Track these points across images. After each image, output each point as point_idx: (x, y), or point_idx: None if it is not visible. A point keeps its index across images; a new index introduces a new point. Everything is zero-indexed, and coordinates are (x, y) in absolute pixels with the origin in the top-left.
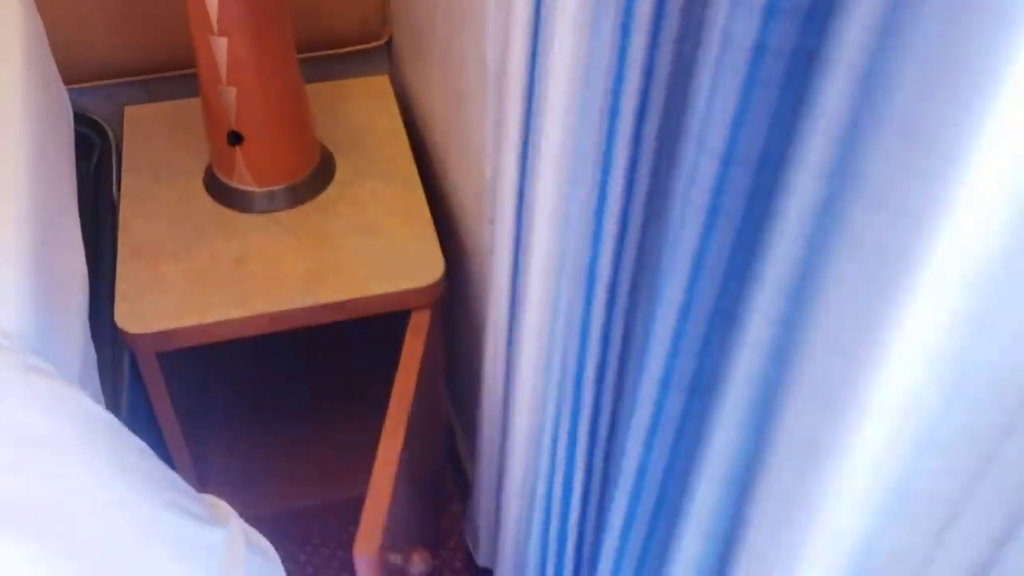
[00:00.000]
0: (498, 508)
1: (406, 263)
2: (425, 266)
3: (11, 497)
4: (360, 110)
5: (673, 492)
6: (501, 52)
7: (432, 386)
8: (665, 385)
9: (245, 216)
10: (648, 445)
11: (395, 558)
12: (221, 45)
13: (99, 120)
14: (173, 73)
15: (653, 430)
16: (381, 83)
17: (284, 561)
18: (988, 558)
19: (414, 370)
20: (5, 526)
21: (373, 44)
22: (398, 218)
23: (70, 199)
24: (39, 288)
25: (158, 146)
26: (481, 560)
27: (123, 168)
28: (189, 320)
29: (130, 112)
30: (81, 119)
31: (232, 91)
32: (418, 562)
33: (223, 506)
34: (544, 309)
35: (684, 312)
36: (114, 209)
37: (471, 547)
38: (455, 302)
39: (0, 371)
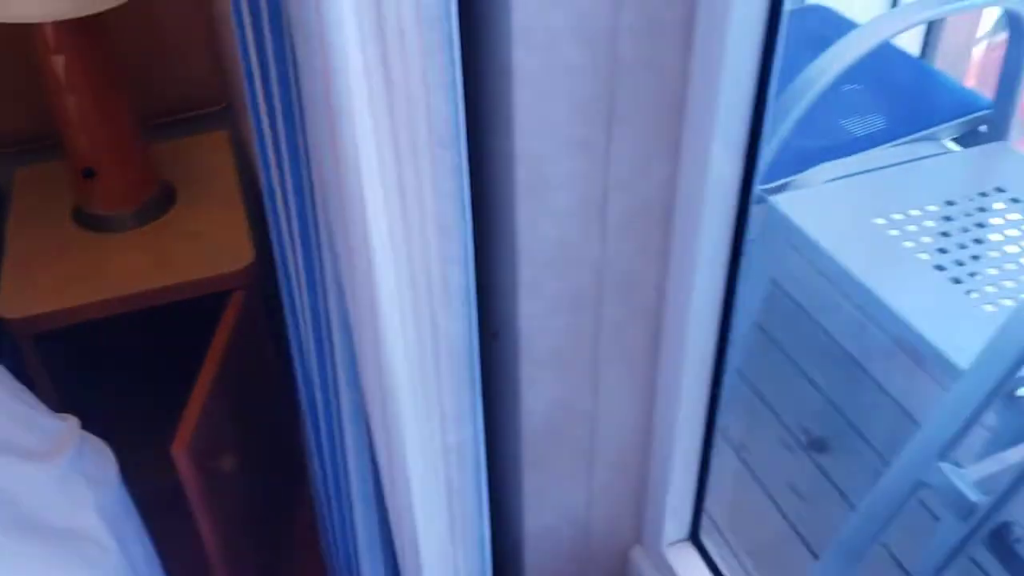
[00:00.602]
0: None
1: (223, 256)
2: (237, 256)
3: None
4: (201, 156)
5: None
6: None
7: (258, 351)
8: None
9: (102, 235)
10: None
11: (208, 458)
12: (71, 101)
13: None
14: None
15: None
16: (222, 137)
17: None
18: None
19: (227, 330)
20: None
21: (215, 107)
22: (220, 227)
23: None
24: None
25: (37, 196)
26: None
27: (9, 211)
28: (56, 305)
29: (20, 173)
30: None
31: (83, 136)
32: (227, 462)
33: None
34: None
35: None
36: (1, 240)
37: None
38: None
39: None
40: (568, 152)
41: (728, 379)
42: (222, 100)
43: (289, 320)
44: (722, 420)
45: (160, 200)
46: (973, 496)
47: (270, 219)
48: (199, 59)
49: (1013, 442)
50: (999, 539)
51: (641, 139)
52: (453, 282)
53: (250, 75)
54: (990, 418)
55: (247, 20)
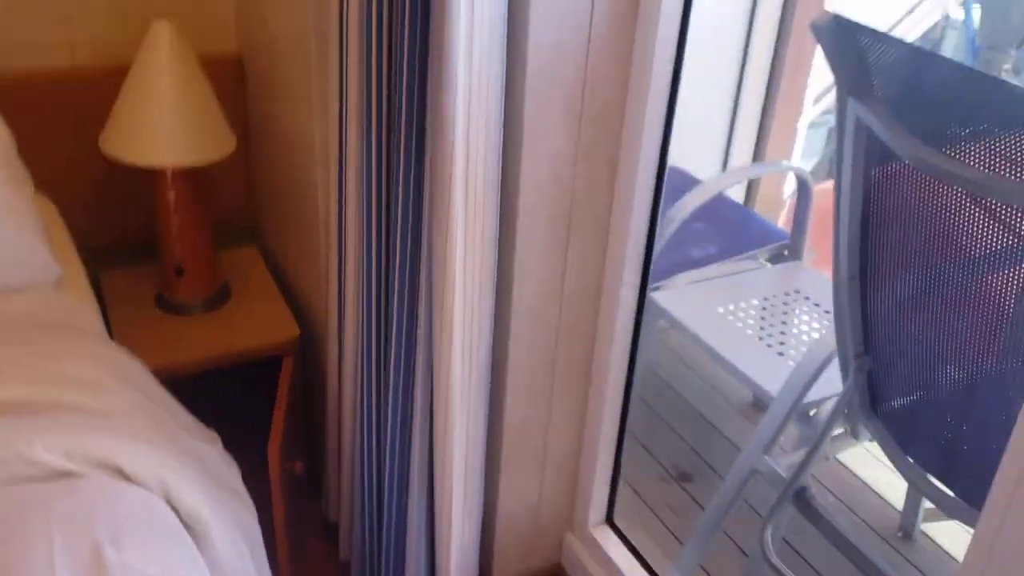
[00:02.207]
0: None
1: (274, 330)
2: (285, 330)
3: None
4: (242, 262)
5: None
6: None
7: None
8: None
9: (182, 317)
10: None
11: (286, 463)
12: (175, 220)
13: None
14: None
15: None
16: (253, 249)
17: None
18: None
19: (287, 377)
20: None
21: (246, 224)
22: (268, 312)
23: None
24: None
25: (125, 289)
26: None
27: (107, 301)
28: (154, 364)
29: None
30: None
31: (179, 244)
32: (299, 467)
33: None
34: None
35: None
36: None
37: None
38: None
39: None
40: (540, 252)
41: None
42: (250, 219)
43: (367, 362)
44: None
45: (222, 293)
46: (784, 473)
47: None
48: (237, 188)
49: (806, 442)
50: (800, 497)
51: (584, 257)
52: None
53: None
54: (793, 427)
55: (395, 123)
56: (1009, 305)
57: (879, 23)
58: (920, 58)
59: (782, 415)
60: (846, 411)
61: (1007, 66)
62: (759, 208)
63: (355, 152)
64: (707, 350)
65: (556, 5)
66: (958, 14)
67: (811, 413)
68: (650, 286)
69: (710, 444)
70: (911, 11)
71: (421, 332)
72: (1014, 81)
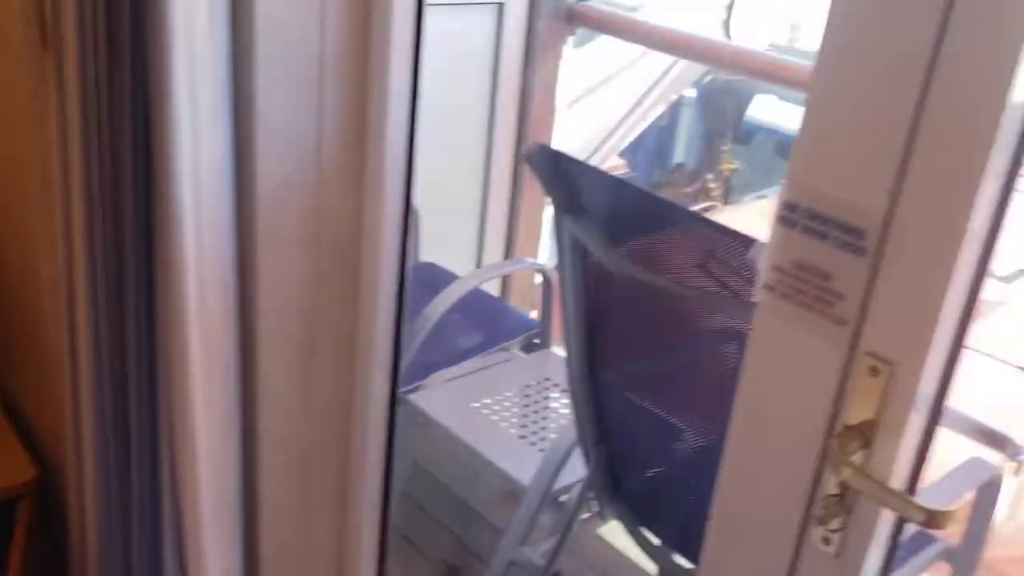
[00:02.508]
0: None
1: (3, 471)
2: (17, 472)
3: None
4: None
5: None
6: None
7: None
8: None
9: None
10: None
11: None
12: None
13: None
14: None
15: None
16: None
17: None
18: None
19: (22, 532)
20: None
21: None
22: None
23: None
24: None
25: None
26: None
27: None
28: None
29: None
30: None
31: None
32: None
33: None
34: None
35: None
36: None
37: None
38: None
39: None
40: (285, 374)
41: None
42: None
43: None
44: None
45: None
46: (539, 563)
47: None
48: None
49: (559, 529)
50: None
51: (331, 374)
52: None
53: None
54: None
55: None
56: (711, 385)
57: (611, 117)
58: (609, 182)
59: (535, 504)
60: (591, 495)
61: (725, 148)
62: (515, 298)
63: (83, 292)
64: (465, 448)
65: (281, 144)
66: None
67: (562, 499)
68: (408, 387)
69: (479, 534)
70: (639, 103)
71: (165, 472)
72: (734, 160)
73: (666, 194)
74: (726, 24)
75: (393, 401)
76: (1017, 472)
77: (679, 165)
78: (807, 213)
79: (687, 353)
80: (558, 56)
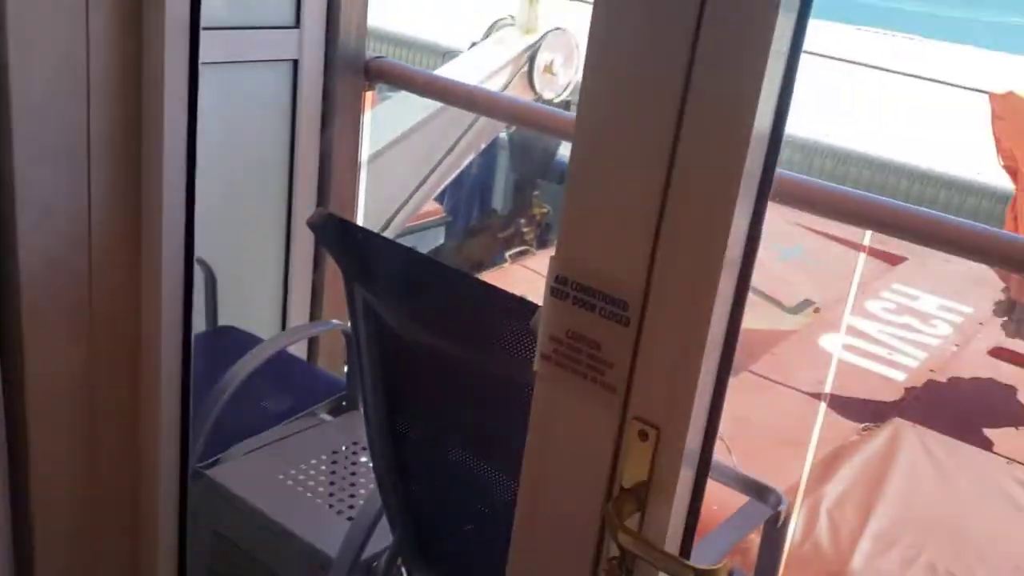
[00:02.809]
0: None
1: None
2: None
3: None
4: None
5: None
6: None
7: None
8: None
9: None
10: None
11: None
12: None
13: None
14: None
15: None
16: None
17: None
18: None
19: None
20: None
21: None
22: None
23: None
24: None
25: None
26: None
27: None
28: None
29: None
30: None
31: None
32: None
33: None
34: None
35: None
36: None
37: None
38: None
39: None
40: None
41: None
42: None
43: None
44: None
45: None
46: None
47: None
48: None
49: None
50: None
51: (115, 451)
52: None
53: None
54: None
55: None
56: (508, 443)
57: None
58: (394, 251)
59: (344, 573)
60: (399, 562)
61: (536, 192)
62: (324, 360)
63: None
64: (270, 522)
65: (45, 221)
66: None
67: (374, 565)
68: (207, 461)
69: None
70: (452, 148)
71: None
72: (544, 204)
73: (482, 240)
74: (529, 77)
75: (184, 478)
76: (778, 523)
77: (493, 211)
78: (576, 286)
79: (483, 414)
80: (358, 111)
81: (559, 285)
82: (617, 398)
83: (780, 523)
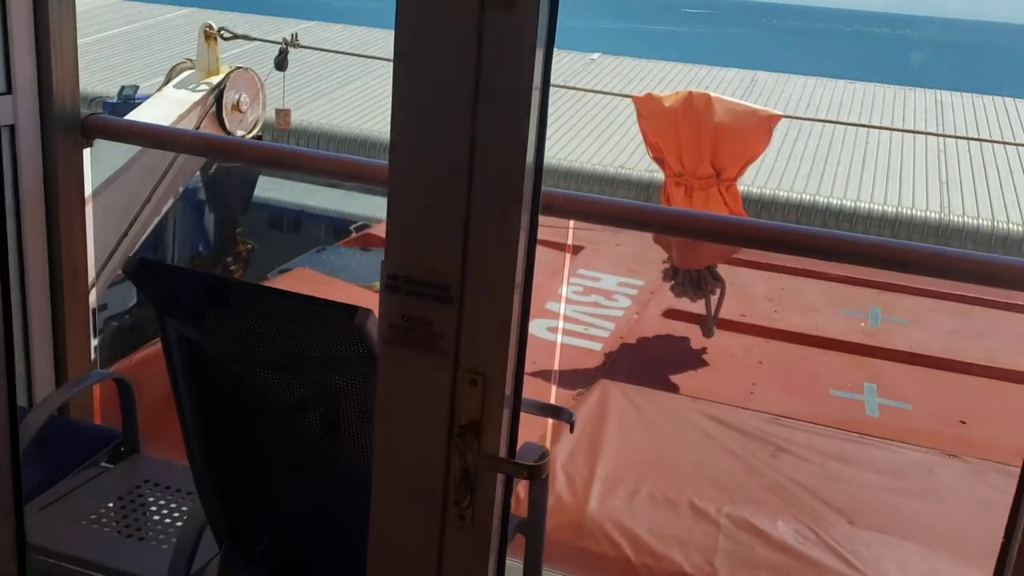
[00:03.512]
0: None
1: None
2: None
3: None
4: None
5: None
6: None
7: None
8: None
9: None
10: None
11: None
12: None
13: None
14: None
15: None
16: None
17: None
18: None
19: None
20: None
21: None
22: None
23: None
24: None
25: None
26: None
27: None
28: None
29: None
30: None
31: None
32: None
33: None
34: None
35: None
36: None
37: None
38: None
39: None
40: None
41: None
42: None
43: None
44: None
45: None
46: None
47: None
48: None
49: None
50: None
51: None
52: None
53: None
54: None
55: None
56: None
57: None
58: (202, 279)
59: None
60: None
61: (239, 229)
62: (76, 411)
63: None
64: (90, 565)
65: None
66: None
67: None
68: None
69: None
70: (149, 198)
71: None
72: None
73: None
74: (219, 116)
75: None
76: (572, 430)
77: (199, 253)
78: (406, 280)
79: (293, 413)
80: (80, 168)
81: (392, 281)
82: (449, 359)
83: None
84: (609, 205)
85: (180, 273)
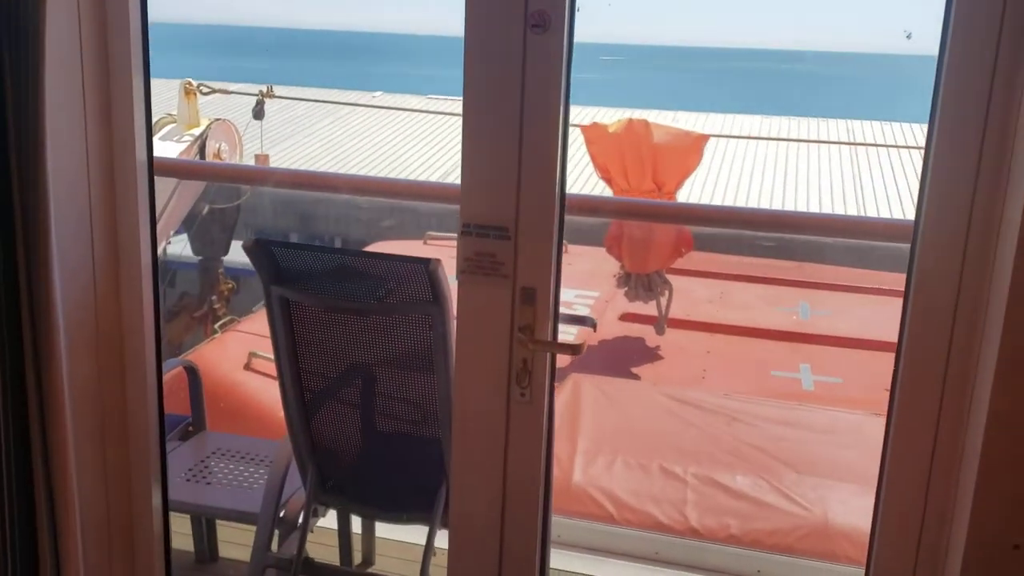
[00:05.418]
0: None
1: None
2: None
3: None
4: None
5: None
6: None
7: None
8: None
9: None
10: None
11: None
12: None
13: None
14: None
15: None
16: None
17: None
18: None
19: None
20: None
21: None
22: None
23: None
24: None
25: None
26: None
27: None
28: None
29: None
30: None
31: None
32: None
33: None
34: None
35: None
36: None
37: None
38: None
39: None
40: None
41: None
42: None
43: None
44: None
45: None
46: (289, 555)
47: None
48: None
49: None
50: (308, 565)
51: None
52: None
53: None
54: None
55: None
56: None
57: None
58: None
59: (270, 510)
60: (313, 496)
61: (220, 270)
62: None
63: None
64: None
65: (66, 272)
66: None
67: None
68: None
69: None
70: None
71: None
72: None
73: (178, 323)
74: (201, 149)
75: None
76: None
77: (185, 293)
78: (475, 226)
79: (375, 352)
80: None
81: (465, 228)
82: (509, 280)
83: None
84: (605, 203)
85: (286, 247)
